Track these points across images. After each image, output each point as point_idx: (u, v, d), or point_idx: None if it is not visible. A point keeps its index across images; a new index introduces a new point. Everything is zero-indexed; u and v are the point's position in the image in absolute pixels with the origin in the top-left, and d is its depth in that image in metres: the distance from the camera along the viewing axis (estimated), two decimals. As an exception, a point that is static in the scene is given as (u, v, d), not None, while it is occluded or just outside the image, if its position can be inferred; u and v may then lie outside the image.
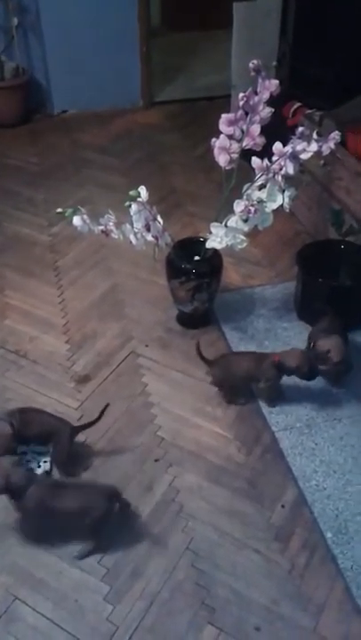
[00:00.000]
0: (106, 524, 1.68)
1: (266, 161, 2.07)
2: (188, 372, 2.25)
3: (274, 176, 2.06)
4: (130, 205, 2.03)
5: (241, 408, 2.12)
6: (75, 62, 4.15)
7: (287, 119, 3.11)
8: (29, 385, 2.20)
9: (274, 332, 2.44)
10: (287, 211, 2.11)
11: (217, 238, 2.15)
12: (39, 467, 1.88)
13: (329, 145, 2.07)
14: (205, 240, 2.20)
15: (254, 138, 2.09)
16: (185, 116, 4.33)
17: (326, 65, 3.37)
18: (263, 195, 2.08)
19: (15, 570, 1.66)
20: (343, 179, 2.61)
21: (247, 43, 3.42)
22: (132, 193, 2.00)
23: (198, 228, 2.92)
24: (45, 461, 1.89)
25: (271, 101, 2.04)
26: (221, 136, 2.11)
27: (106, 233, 2.13)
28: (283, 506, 1.81)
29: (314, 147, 2.03)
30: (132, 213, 2.06)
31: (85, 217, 2.10)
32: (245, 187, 2.13)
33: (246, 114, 2.07)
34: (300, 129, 2.04)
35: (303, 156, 2.03)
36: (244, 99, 2.02)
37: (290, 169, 2.02)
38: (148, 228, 2.10)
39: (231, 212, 2.11)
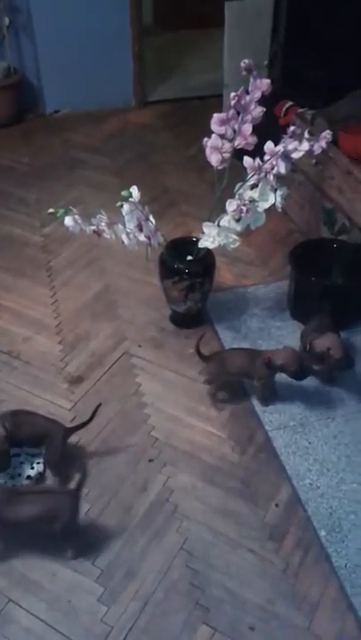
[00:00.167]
0: (75, 526, 1.66)
1: (258, 160, 2.07)
2: (181, 372, 2.25)
3: (266, 175, 2.06)
4: (122, 205, 2.03)
5: (234, 407, 2.12)
6: (67, 62, 4.14)
7: (279, 118, 3.12)
8: (22, 386, 2.19)
9: (267, 331, 2.44)
10: (279, 210, 2.11)
11: (209, 238, 2.15)
12: (32, 468, 1.87)
13: (321, 144, 2.08)
14: (198, 240, 2.20)
15: (246, 137, 2.09)
16: (177, 115, 4.32)
17: (318, 64, 3.38)
18: (255, 194, 2.08)
19: (8, 571, 1.65)
20: (335, 177, 2.62)
21: (239, 42, 3.42)
22: (123, 193, 2.00)
23: (191, 227, 2.92)
24: (39, 463, 1.88)
25: (263, 100, 2.04)
26: (213, 136, 2.11)
27: (98, 233, 2.12)
28: (277, 505, 1.81)
29: (305, 146, 2.03)
30: (124, 213, 2.06)
31: (77, 217, 2.10)
32: (237, 186, 2.13)
33: (238, 113, 2.06)
34: (292, 128, 2.04)
35: (295, 156, 2.03)
36: (236, 98, 2.02)
37: (282, 168, 2.02)
38: (140, 228, 2.10)
39: (224, 211, 2.11)
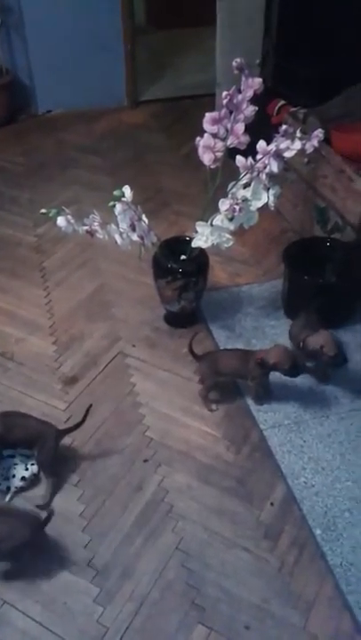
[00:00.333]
0: (25, 552, 1.63)
1: (250, 159, 2.07)
2: (176, 372, 2.25)
3: (258, 174, 2.06)
4: (114, 205, 2.02)
5: (229, 407, 2.12)
6: (59, 62, 4.13)
7: (272, 117, 3.12)
8: (16, 387, 2.19)
9: (261, 330, 2.44)
10: (272, 209, 2.11)
11: (203, 237, 2.15)
12: (26, 469, 1.86)
13: (313, 143, 2.08)
14: (191, 239, 2.20)
15: (239, 136, 2.09)
16: (170, 114, 4.32)
17: (310, 62, 3.39)
18: (248, 193, 2.08)
19: (3, 573, 1.64)
20: (328, 176, 2.62)
21: (231, 41, 3.42)
22: (116, 193, 1.99)
23: (185, 226, 2.91)
24: (33, 464, 1.87)
25: (255, 99, 2.04)
26: (206, 135, 2.11)
27: (91, 233, 2.11)
28: (272, 504, 1.81)
29: (298, 145, 2.03)
30: (116, 213, 2.05)
31: (70, 217, 2.09)
32: (230, 185, 2.13)
33: (230, 112, 2.06)
34: (284, 127, 2.04)
35: (287, 155, 2.03)
36: (228, 97, 2.01)
37: (274, 167, 2.02)
38: (133, 228, 2.09)
39: (217, 210, 2.11)
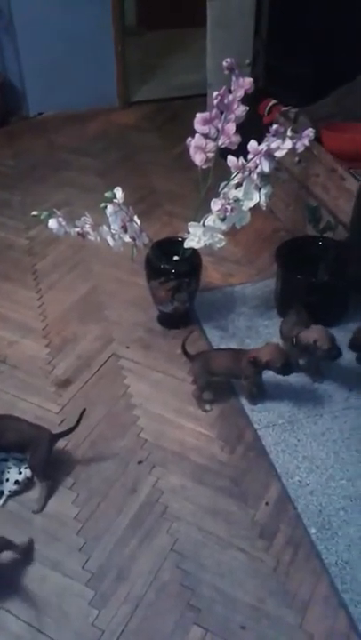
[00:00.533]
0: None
1: (241, 159, 2.07)
2: (169, 373, 2.25)
3: (250, 174, 2.06)
4: (106, 207, 2.02)
5: (223, 407, 2.12)
6: (49, 64, 4.12)
7: (263, 117, 3.13)
8: (9, 390, 2.18)
9: (255, 329, 2.44)
10: (264, 208, 2.11)
11: (195, 238, 2.15)
12: (20, 473, 1.86)
13: (303, 142, 2.08)
14: (184, 240, 2.20)
15: (230, 136, 2.09)
16: (162, 115, 4.32)
17: (301, 62, 3.40)
18: (240, 193, 2.08)
19: (-2, 578, 1.64)
20: (319, 175, 2.62)
21: (222, 41, 3.42)
22: (107, 194, 1.99)
23: (178, 227, 2.91)
24: (27, 468, 1.86)
25: (247, 99, 2.04)
26: (197, 135, 2.11)
27: (82, 235, 2.11)
28: (267, 503, 1.81)
29: (288, 144, 2.03)
30: (108, 215, 2.05)
31: (61, 219, 2.09)
32: (222, 185, 2.13)
33: (221, 112, 2.06)
34: (275, 126, 2.04)
35: (278, 154, 2.03)
36: (219, 97, 2.01)
37: (265, 167, 2.02)
38: (125, 229, 2.09)
39: (209, 211, 2.11)
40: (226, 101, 2.03)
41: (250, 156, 2.05)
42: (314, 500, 1.81)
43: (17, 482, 1.84)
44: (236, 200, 2.08)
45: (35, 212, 2.09)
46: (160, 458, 1.95)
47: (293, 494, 1.82)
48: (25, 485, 1.85)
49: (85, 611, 1.57)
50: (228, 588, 1.61)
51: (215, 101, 2.02)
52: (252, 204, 2.09)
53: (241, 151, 2.08)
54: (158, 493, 1.84)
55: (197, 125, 2.09)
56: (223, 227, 2.11)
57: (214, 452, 1.97)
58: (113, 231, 2.10)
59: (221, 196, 2.10)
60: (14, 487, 1.83)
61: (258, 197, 2.08)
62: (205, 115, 2.07)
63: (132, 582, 1.63)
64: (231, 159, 2.08)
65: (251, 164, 2.05)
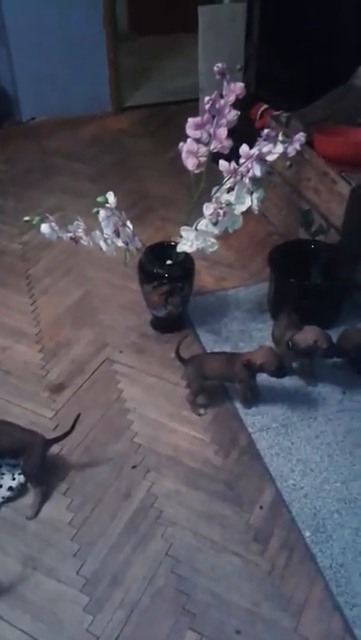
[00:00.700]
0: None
1: (233, 164, 2.07)
2: (163, 377, 2.25)
3: (242, 178, 2.07)
4: (98, 212, 2.02)
5: (217, 410, 2.12)
6: (42, 69, 4.12)
7: (255, 121, 3.14)
8: (2, 396, 2.17)
9: (248, 333, 2.44)
10: (256, 212, 2.12)
11: (188, 242, 2.15)
12: (14, 479, 1.85)
13: (295, 146, 2.09)
14: (176, 244, 2.20)
15: (221, 141, 2.09)
16: (155, 120, 4.33)
17: (292, 66, 3.41)
18: (232, 197, 2.09)
19: (-8, 585, 1.63)
20: (311, 179, 2.64)
21: (213, 46, 3.43)
22: (99, 199, 1.99)
23: (171, 231, 2.92)
24: (20, 473, 1.86)
25: (238, 104, 2.05)
26: (189, 140, 2.11)
27: (75, 240, 2.11)
28: (261, 507, 1.81)
29: (280, 148, 2.04)
30: (100, 219, 2.05)
31: (54, 224, 2.09)
32: (214, 190, 2.14)
33: (213, 117, 2.07)
34: (266, 131, 2.05)
35: (269, 158, 2.04)
36: (210, 102, 2.02)
37: (257, 171, 2.03)
38: (117, 234, 2.09)
39: (201, 215, 2.11)
40: (217, 106, 2.04)
41: (242, 161, 2.06)
42: (308, 504, 1.81)
43: (10, 488, 1.83)
44: (229, 204, 2.08)
45: (27, 218, 2.08)
46: (154, 462, 1.94)
47: (288, 498, 1.83)
48: (19, 492, 1.84)
49: (80, 617, 1.56)
50: (224, 593, 1.61)
51: (207, 106, 2.03)
52: (244, 208, 2.10)
53: (233, 155, 2.08)
54: (152, 498, 1.84)
55: (189, 130, 2.10)
56: (216, 231, 2.11)
57: (208, 456, 1.97)
58: (106, 236, 2.10)
59: (214, 200, 2.10)
60: (8, 493, 1.82)
61: (250, 201, 2.09)
62: (197, 119, 2.08)
63: (127, 588, 1.62)
64: (223, 163, 2.09)
65: (243, 169, 2.06)
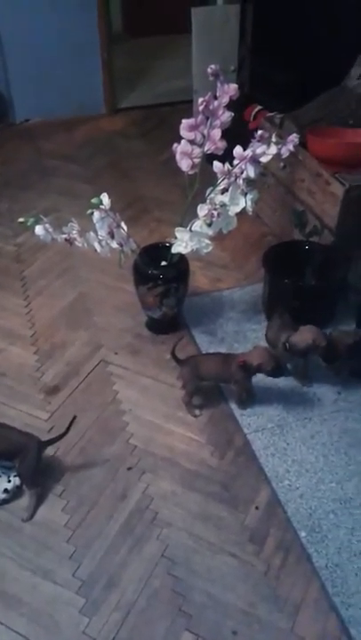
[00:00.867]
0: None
1: (227, 165, 2.08)
2: (158, 378, 2.25)
3: (236, 180, 2.07)
4: (92, 213, 2.02)
5: (213, 411, 2.12)
6: (36, 70, 4.12)
7: (248, 123, 3.15)
8: (-3, 398, 2.17)
9: (243, 334, 2.45)
10: (250, 214, 2.12)
11: (182, 243, 2.15)
12: (9, 481, 1.84)
13: (288, 147, 2.09)
14: (171, 245, 2.20)
15: (215, 142, 2.10)
16: (149, 121, 4.33)
17: (286, 68, 3.42)
18: (226, 198, 2.09)
19: (-12, 588, 1.63)
20: (305, 180, 2.64)
21: (207, 48, 3.44)
22: (93, 200, 1.99)
23: (165, 233, 2.91)
24: (16, 476, 1.85)
25: (232, 105, 2.05)
26: (183, 141, 2.11)
27: (69, 241, 2.11)
28: (257, 507, 1.81)
29: (273, 149, 2.05)
30: (94, 221, 2.05)
31: (48, 226, 2.08)
32: (208, 191, 2.14)
33: (207, 118, 2.07)
34: (260, 132, 2.05)
35: (263, 159, 2.05)
36: (204, 103, 2.03)
37: (251, 172, 2.03)
38: (112, 235, 2.09)
39: (196, 216, 2.11)
40: (211, 107, 2.04)
41: (235, 162, 2.07)
42: (304, 504, 1.81)
43: (6, 490, 1.82)
44: (223, 205, 2.09)
45: (21, 219, 2.08)
46: (150, 464, 1.94)
47: (283, 498, 1.83)
48: (14, 494, 1.84)
49: (76, 619, 1.56)
50: (220, 594, 1.61)
51: (201, 107, 2.03)
52: (238, 209, 2.11)
53: (227, 157, 2.09)
54: (148, 500, 1.84)
55: (183, 131, 2.10)
56: (210, 232, 2.11)
57: (204, 457, 1.97)
58: (100, 237, 2.10)
59: (208, 201, 2.11)
60: (3, 496, 1.82)
61: (244, 202, 2.09)
62: (191, 121, 2.08)
63: (123, 589, 1.62)
64: (217, 165, 2.09)
65: (236, 170, 2.06)
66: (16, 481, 1.84)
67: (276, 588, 1.62)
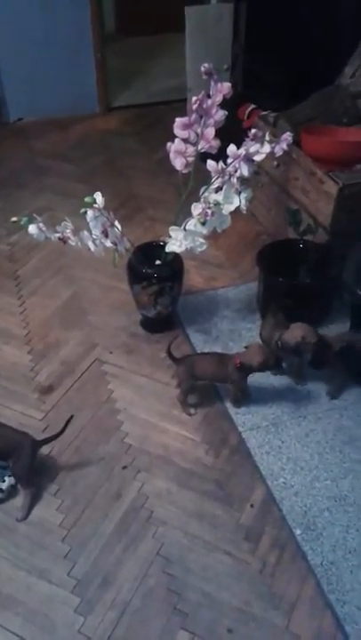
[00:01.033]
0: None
1: (221, 163, 2.08)
2: (153, 377, 2.25)
3: (230, 178, 2.07)
4: (86, 212, 2.02)
5: (208, 410, 2.12)
6: (29, 70, 4.11)
7: (242, 121, 3.15)
8: (-8, 398, 2.16)
9: (238, 332, 2.45)
10: (244, 212, 2.12)
11: (176, 242, 2.15)
12: (3, 481, 1.84)
13: (282, 146, 2.10)
14: (165, 244, 2.20)
15: (209, 141, 2.09)
16: (143, 120, 4.33)
17: (279, 66, 3.43)
18: (220, 197, 2.09)
19: (-18, 588, 1.62)
20: (299, 178, 2.65)
21: (200, 46, 3.44)
22: (87, 199, 1.99)
23: (160, 231, 2.91)
24: (10, 475, 1.85)
25: (226, 104, 2.05)
26: (177, 140, 2.11)
27: (63, 240, 2.10)
28: (252, 505, 1.81)
29: (267, 148, 2.05)
30: (88, 220, 2.04)
31: (41, 225, 2.08)
32: (202, 189, 2.14)
33: (201, 117, 2.07)
34: (254, 131, 2.05)
35: (257, 158, 2.05)
36: (198, 102, 2.02)
37: (244, 171, 2.03)
38: (105, 234, 2.09)
39: (190, 215, 2.11)
40: (205, 106, 2.04)
41: (229, 161, 2.07)
42: (299, 502, 1.82)
43: (0, 490, 1.82)
44: (217, 204, 2.09)
45: (14, 218, 2.08)
46: (145, 462, 1.94)
47: (278, 496, 1.83)
48: (9, 493, 1.83)
49: (72, 618, 1.56)
50: (215, 592, 1.61)
51: (194, 106, 2.03)
52: (232, 208, 2.10)
53: (221, 155, 2.09)
54: (143, 498, 1.83)
55: (177, 130, 2.10)
56: (204, 231, 2.11)
57: (199, 455, 1.97)
58: (94, 236, 2.10)
59: (202, 200, 2.11)
60: (-2, 495, 1.81)
61: (238, 201, 2.09)
62: (185, 119, 2.08)
63: (118, 588, 1.62)
64: (211, 163, 2.09)
65: (230, 168, 2.06)
66: (11, 480, 1.84)
67: (271, 585, 1.62)
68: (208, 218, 2.06)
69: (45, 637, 1.52)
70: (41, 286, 2.72)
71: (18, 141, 4.03)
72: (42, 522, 1.77)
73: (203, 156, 2.13)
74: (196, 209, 2.08)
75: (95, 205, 2.00)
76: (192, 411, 2.11)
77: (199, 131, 2.08)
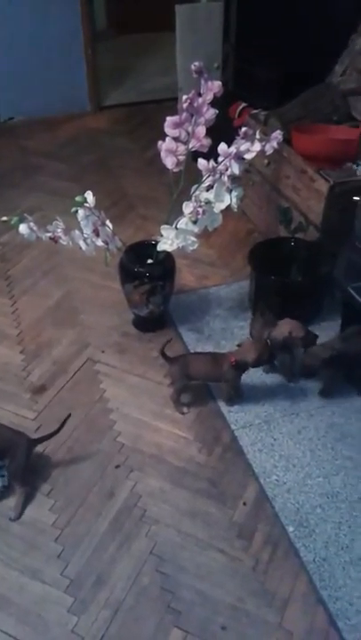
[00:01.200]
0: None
1: (212, 162, 2.08)
2: (146, 376, 2.25)
3: (220, 177, 2.07)
4: (77, 211, 2.01)
5: (200, 409, 2.13)
6: (19, 68, 4.09)
7: (233, 120, 3.15)
8: (-16, 398, 2.16)
9: (230, 331, 2.45)
10: (235, 210, 2.13)
11: (168, 241, 2.15)
12: (-3, 481, 1.84)
13: (272, 144, 2.10)
14: (157, 243, 2.20)
15: (200, 139, 2.10)
16: (134, 119, 4.33)
17: (270, 65, 3.43)
18: (211, 196, 2.10)
19: (-25, 588, 1.62)
20: (290, 176, 2.65)
21: (191, 45, 3.44)
22: (77, 198, 1.98)
23: (151, 230, 2.91)
24: (3, 475, 1.84)
25: (217, 102, 2.05)
26: (167, 139, 2.11)
27: (55, 240, 2.10)
28: (244, 503, 1.82)
29: (257, 146, 2.05)
30: (79, 219, 2.04)
31: (32, 224, 2.07)
32: (193, 188, 2.14)
33: (191, 116, 2.07)
34: (244, 129, 2.06)
35: (247, 156, 2.05)
36: (188, 100, 2.02)
37: (235, 169, 2.04)
38: (97, 234, 2.08)
39: (181, 213, 2.11)
40: (196, 104, 2.04)
41: (220, 159, 2.07)
42: (291, 499, 1.82)
43: (-6, 490, 1.82)
44: (208, 202, 2.09)
45: (4, 218, 2.07)
46: (138, 461, 1.94)
47: (271, 493, 1.84)
48: (2, 493, 1.83)
49: (65, 618, 1.55)
50: (208, 590, 1.61)
51: (185, 105, 2.03)
52: (223, 207, 2.11)
53: (212, 154, 2.09)
54: (136, 497, 1.84)
55: (168, 129, 2.10)
56: (195, 229, 2.11)
57: (192, 454, 1.97)
58: (85, 235, 2.09)
59: (193, 198, 2.11)
60: (-9, 495, 1.81)
61: (229, 199, 2.10)
62: (175, 118, 2.08)
63: (112, 587, 1.62)
64: (202, 162, 2.09)
65: (221, 167, 2.06)
66: (4, 480, 1.83)
67: (264, 582, 1.63)
68: (199, 216, 2.06)
69: (39, 637, 1.52)
70: (32, 286, 2.72)
71: (8, 141, 4.02)
72: (35, 522, 1.77)
73: (194, 155, 2.13)
74: (188, 207, 2.08)
75: (86, 204, 2.00)
76: (185, 409, 2.11)
77: (190, 129, 2.08)
